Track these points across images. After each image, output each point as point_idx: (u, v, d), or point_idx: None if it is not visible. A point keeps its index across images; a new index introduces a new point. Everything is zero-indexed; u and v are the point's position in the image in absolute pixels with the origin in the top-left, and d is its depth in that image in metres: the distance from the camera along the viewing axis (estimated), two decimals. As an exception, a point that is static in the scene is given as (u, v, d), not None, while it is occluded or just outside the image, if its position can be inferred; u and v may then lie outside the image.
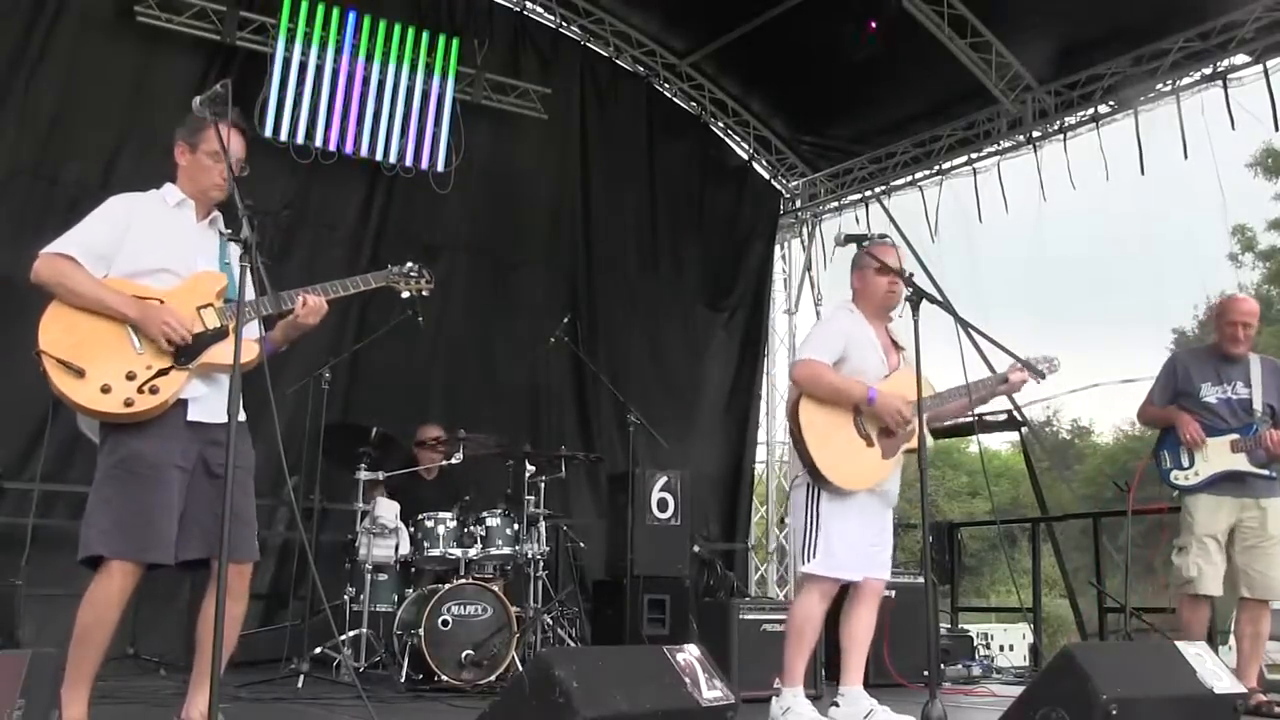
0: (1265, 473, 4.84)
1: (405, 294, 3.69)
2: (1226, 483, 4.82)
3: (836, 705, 3.92)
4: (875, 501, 4.06)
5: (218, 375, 3.27)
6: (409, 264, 3.71)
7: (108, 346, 3.10)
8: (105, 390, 3.05)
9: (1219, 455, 4.84)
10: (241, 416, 3.28)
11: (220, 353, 3.23)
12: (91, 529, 3.06)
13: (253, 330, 3.36)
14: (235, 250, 3.41)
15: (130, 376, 3.08)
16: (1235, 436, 4.84)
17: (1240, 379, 4.94)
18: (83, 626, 3.02)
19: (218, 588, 2.72)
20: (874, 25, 7.77)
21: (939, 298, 3.88)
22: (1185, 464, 4.89)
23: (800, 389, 4.02)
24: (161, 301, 3.18)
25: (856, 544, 3.96)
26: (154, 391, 3.09)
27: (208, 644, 3.12)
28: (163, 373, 3.13)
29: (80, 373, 3.04)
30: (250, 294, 3.19)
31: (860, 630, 4.02)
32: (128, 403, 3.06)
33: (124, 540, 3.03)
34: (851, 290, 4.27)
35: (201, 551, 3.16)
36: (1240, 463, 4.81)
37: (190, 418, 3.19)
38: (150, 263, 3.22)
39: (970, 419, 4.69)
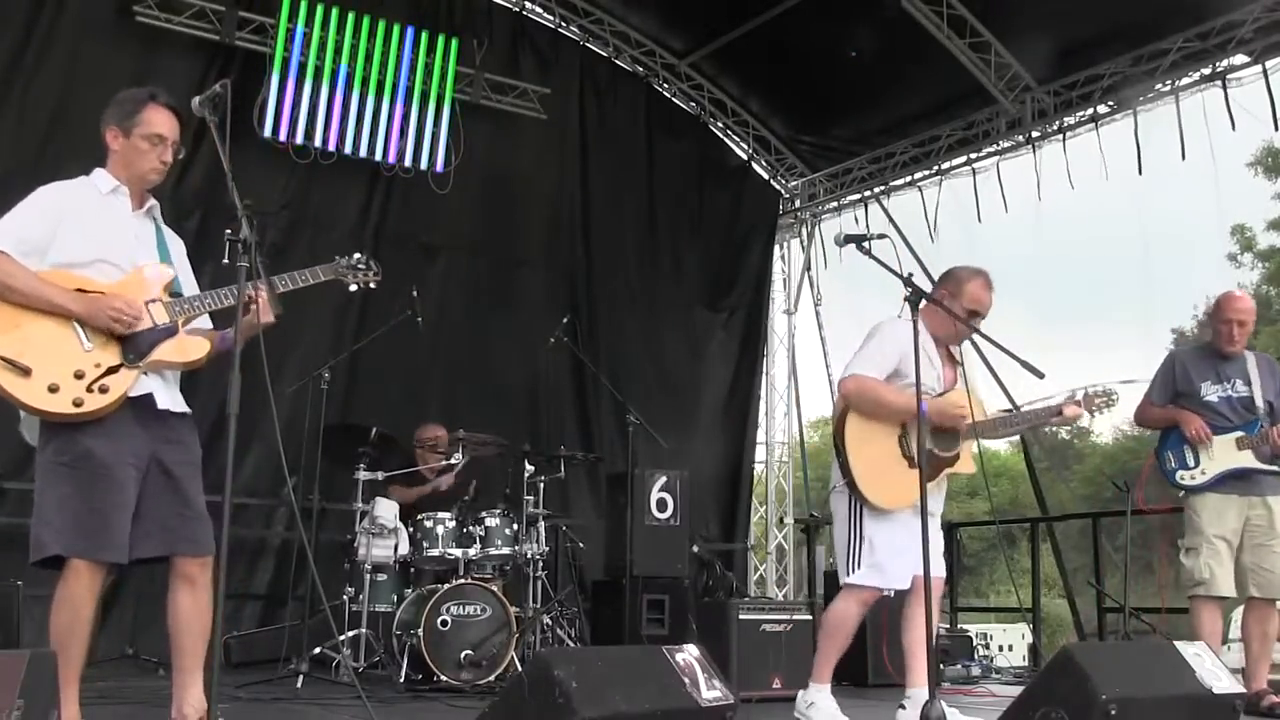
0: (1274, 469, 4.80)
1: (353, 287, 3.64)
2: (1233, 481, 4.77)
3: (903, 708, 3.89)
4: (914, 517, 3.91)
5: (168, 372, 3.22)
6: (356, 255, 3.66)
7: (54, 344, 3.00)
8: (53, 389, 2.96)
9: (1225, 453, 4.78)
10: (184, 408, 3.27)
11: (170, 350, 3.17)
12: (47, 528, 2.99)
13: (204, 322, 3.32)
14: (176, 245, 3.40)
15: (79, 375, 3.00)
16: (1240, 434, 4.80)
17: (1239, 377, 4.90)
18: (59, 629, 2.98)
19: (215, 586, 2.72)
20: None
21: (938, 298, 3.89)
22: (1191, 463, 4.82)
23: (848, 401, 3.95)
24: (106, 295, 3.10)
25: (904, 552, 3.88)
26: (104, 391, 3.01)
27: (183, 639, 3.13)
28: (112, 371, 3.05)
29: (26, 371, 2.95)
30: (185, 275, 3.16)
31: (921, 631, 3.91)
32: (77, 402, 2.98)
33: (81, 539, 2.97)
34: (934, 305, 4.03)
35: (160, 549, 3.11)
36: (1247, 460, 4.76)
37: (161, 406, 3.13)
38: (86, 254, 3.12)
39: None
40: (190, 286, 3.38)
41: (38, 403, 2.97)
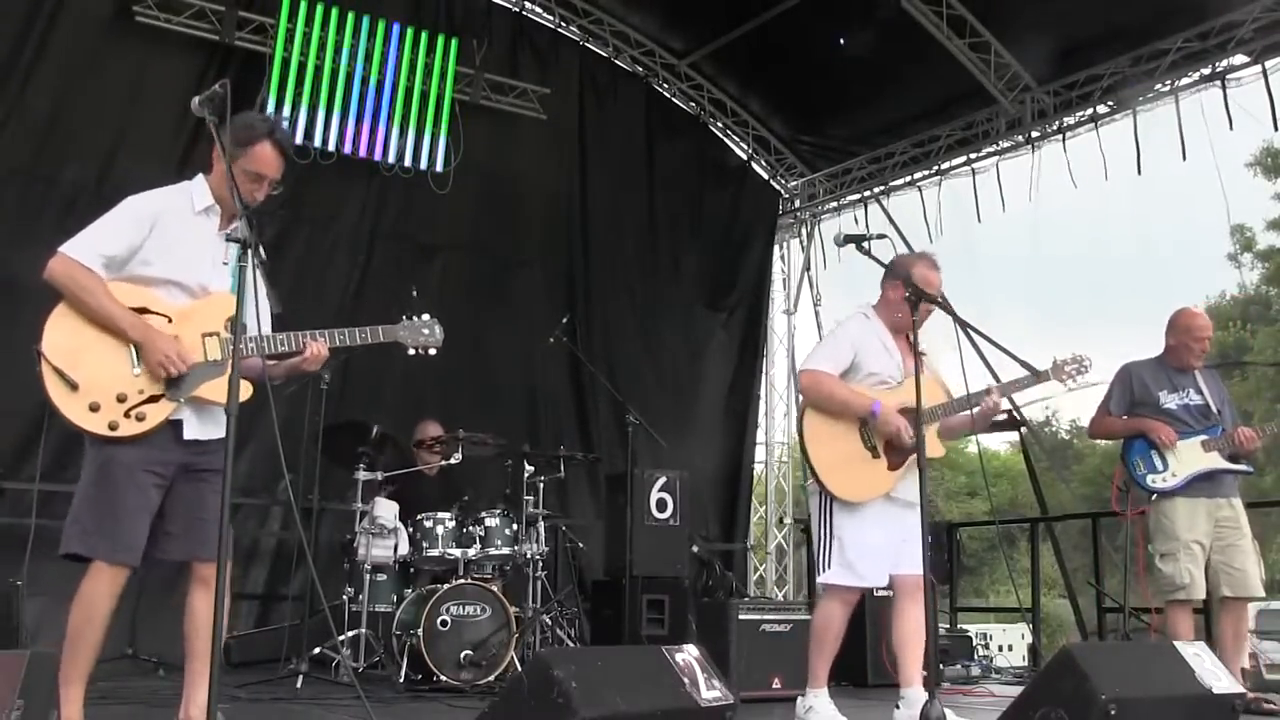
0: (1242, 468, 4.96)
1: (411, 351, 3.57)
2: (1201, 483, 4.91)
3: (898, 708, 3.90)
4: (892, 508, 4.01)
5: (208, 405, 3.22)
6: (425, 315, 3.60)
7: (105, 362, 3.07)
8: (94, 409, 3.03)
9: (1193, 456, 4.94)
10: (218, 433, 3.23)
11: (213, 389, 3.16)
12: (74, 526, 3.07)
13: (254, 363, 3.25)
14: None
15: (121, 399, 3.06)
16: (1205, 437, 4.96)
17: (1191, 386, 5.08)
18: (74, 625, 3.03)
19: (216, 588, 2.72)
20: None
21: (938, 298, 3.89)
22: (1160, 467, 4.97)
23: (805, 397, 4.04)
24: (170, 320, 3.15)
25: (876, 550, 3.92)
26: (140, 419, 3.07)
27: (194, 641, 3.14)
28: (153, 399, 3.10)
29: (74, 386, 3.02)
30: (248, 297, 3.14)
31: (908, 631, 3.96)
32: (112, 426, 3.05)
33: (102, 541, 3.03)
34: (880, 292, 4.17)
35: (179, 554, 3.16)
36: (1215, 461, 4.92)
37: (187, 436, 3.16)
38: (161, 272, 3.16)
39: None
40: (260, 308, 3.32)
41: (77, 418, 3.04)
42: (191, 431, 3.18)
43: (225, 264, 3.29)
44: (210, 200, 3.27)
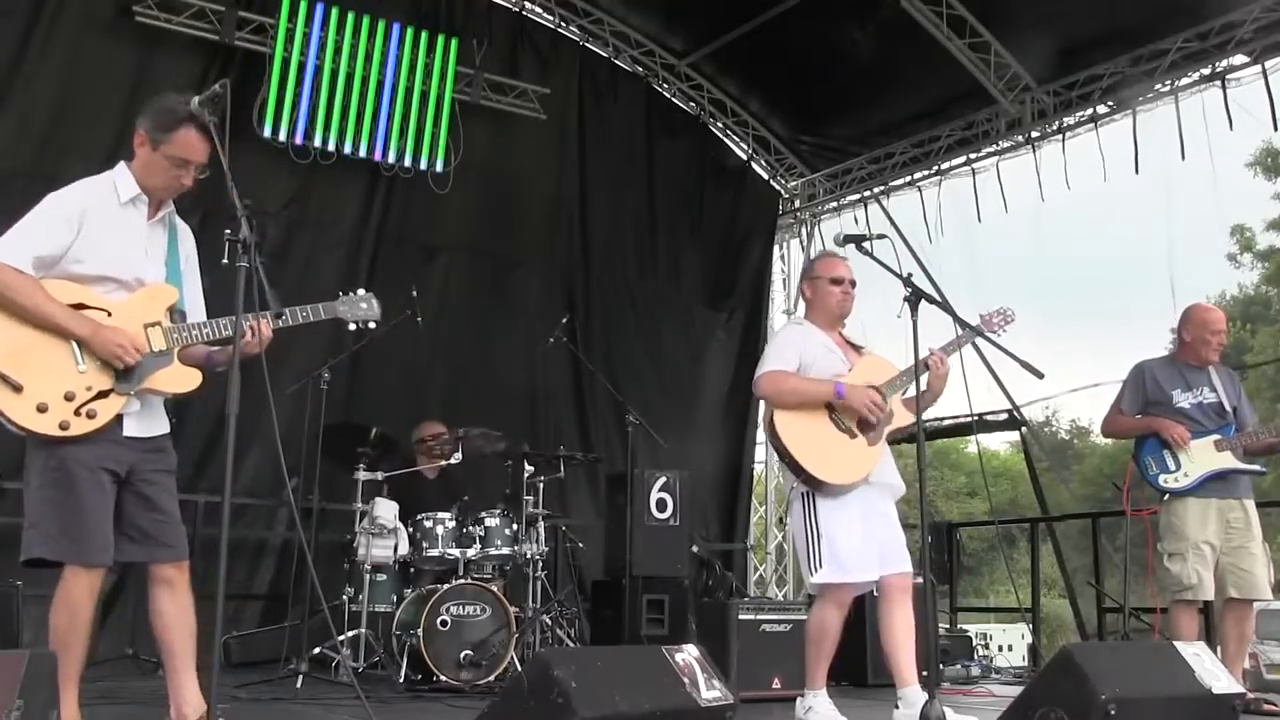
0: (1255, 467, 4.96)
1: (352, 326, 3.57)
2: (1213, 483, 4.89)
3: (897, 708, 3.91)
4: (874, 494, 4.04)
5: (153, 396, 3.20)
6: (360, 290, 3.61)
7: (48, 362, 3.00)
8: (41, 410, 2.96)
9: (1205, 456, 4.91)
10: (165, 429, 3.25)
11: (163, 379, 3.15)
12: (36, 531, 3.00)
13: (198, 350, 3.25)
14: (187, 244, 3.37)
15: (69, 397, 2.99)
16: (1218, 436, 4.94)
17: (1205, 385, 5.06)
18: (58, 630, 3.00)
19: (218, 588, 2.72)
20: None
21: (937, 298, 3.90)
22: (1172, 467, 4.94)
23: (768, 401, 4.07)
24: (109, 314, 3.09)
25: (863, 543, 3.93)
26: (91, 416, 3.01)
27: (172, 641, 3.15)
28: (101, 395, 3.04)
29: (17, 388, 2.95)
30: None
31: (898, 632, 3.96)
32: (63, 425, 2.98)
33: (71, 544, 2.98)
34: (803, 301, 4.38)
35: (140, 556, 3.13)
36: (1228, 460, 4.90)
37: (126, 433, 3.11)
38: (94, 268, 3.10)
39: (969, 419, 4.68)
40: (194, 291, 3.36)
41: (25, 421, 2.97)
42: (131, 428, 3.13)
43: (175, 258, 3.26)
44: (136, 190, 3.21)
